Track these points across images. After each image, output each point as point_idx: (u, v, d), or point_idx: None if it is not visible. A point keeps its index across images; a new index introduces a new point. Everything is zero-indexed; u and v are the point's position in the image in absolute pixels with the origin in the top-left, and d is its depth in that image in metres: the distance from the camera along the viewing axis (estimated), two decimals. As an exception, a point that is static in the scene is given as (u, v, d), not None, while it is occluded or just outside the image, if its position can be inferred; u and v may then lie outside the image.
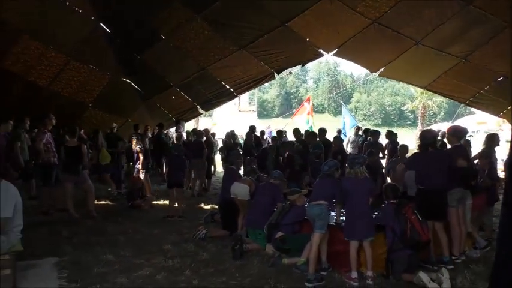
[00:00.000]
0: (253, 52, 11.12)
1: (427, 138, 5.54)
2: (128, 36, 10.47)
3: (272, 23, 10.19)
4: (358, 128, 14.14)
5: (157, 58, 11.20)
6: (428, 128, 19.72)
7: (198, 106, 13.24)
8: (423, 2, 9.21)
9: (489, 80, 11.41)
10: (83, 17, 9.70)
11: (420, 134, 5.66)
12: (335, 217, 5.35)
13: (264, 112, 67.52)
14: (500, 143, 7.35)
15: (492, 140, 7.08)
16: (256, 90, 37.66)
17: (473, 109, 17.85)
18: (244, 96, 27.02)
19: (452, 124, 19.82)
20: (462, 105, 18.62)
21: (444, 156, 5.52)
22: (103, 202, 8.94)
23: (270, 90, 78.13)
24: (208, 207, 8.75)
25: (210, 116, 30.99)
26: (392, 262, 4.84)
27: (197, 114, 14.82)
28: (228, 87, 12.49)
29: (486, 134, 8.67)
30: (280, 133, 11.01)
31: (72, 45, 10.17)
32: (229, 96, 13.23)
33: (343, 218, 5.24)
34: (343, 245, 4.94)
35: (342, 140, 10.23)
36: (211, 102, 13.29)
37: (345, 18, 9.97)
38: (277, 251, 5.33)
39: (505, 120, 14.46)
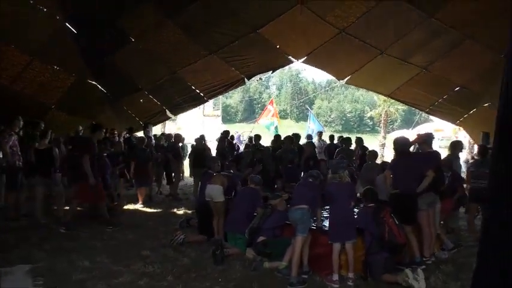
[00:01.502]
0: (224, 57, 11.16)
1: (405, 145, 5.81)
2: (95, 37, 10.20)
3: (244, 29, 10.28)
4: (321, 134, 14.54)
5: (126, 60, 10.96)
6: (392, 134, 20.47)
7: (167, 110, 13.07)
8: (388, 14, 9.62)
9: (447, 89, 12.05)
10: (48, 15, 9.37)
11: (397, 140, 5.90)
12: (316, 221, 5.48)
13: (227, 117, 67.44)
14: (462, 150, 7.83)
15: (456, 147, 7.54)
16: (220, 96, 37.58)
17: (431, 117, 18.72)
18: (209, 101, 26.93)
19: (412, 131, 20.73)
20: (419, 112, 19.53)
21: (421, 161, 5.79)
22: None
23: (234, 96, 78.10)
24: (181, 212, 8.67)
25: (174, 120, 30.59)
26: (370, 264, 5.02)
27: (166, 118, 14.60)
28: (198, 91, 12.43)
29: (450, 142, 9.15)
30: (259, 137, 11.05)
31: (35, 45, 9.79)
32: (199, 101, 13.19)
33: (324, 221, 5.38)
34: (324, 248, 5.07)
35: (315, 146, 10.44)
36: (180, 106, 13.17)
37: (314, 27, 10.24)
38: (258, 255, 5.39)
39: (461, 128, 15.25)
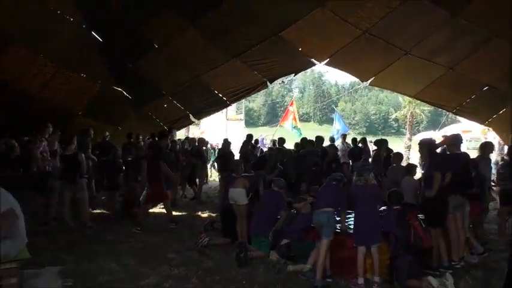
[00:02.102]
0: (246, 61, 11.21)
1: (433, 145, 5.73)
2: (119, 45, 10.45)
3: (265, 32, 10.30)
4: (345, 136, 14.39)
5: (149, 67, 11.18)
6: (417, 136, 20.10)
7: (190, 114, 13.22)
8: (412, 14, 9.47)
9: (475, 89, 11.74)
10: (74, 25, 9.67)
11: (426, 142, 5.83)
12: (340, 224, 5.44)
13: (250, 121, 67.68)
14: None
15: (485, 148, 7.34)
16: (243, 99, 37.85)
17: (458, 118, 18.30)
18: (232, 105, 27.11)
19: (438, 132, 20.29)
20: (445, 113, 19.09)
21: (449, 163, 5.66)
22: (98, 211, 8.84)
23: (257, 99, 78.40)
24: (205, 215, 8.74)
25: (198, 124, 30.93)
26: (395, 268, 4.94)
27: (189, 123, 14.80)
28: (220, 95, 12.52)
29: (479, 143, 8.90)
30: (283, 140, 11.03)
31: (62, 54, 10.10)
32: (221, 105, 13.29)
33: (349, 224, 5.33)
34: (349, 252, 5.02)
35: (337, 149, 10.36)
36: (203, 111, 13.31)
37: (336, 28, 10.16)
38: (282, 258, 5.38)
39: (490, 129, 14.83)
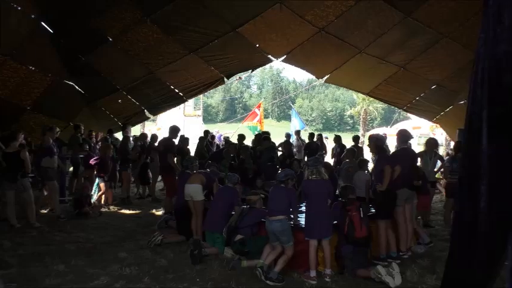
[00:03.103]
0: (203, 56, 11.09)
1: (383, 141, 5.92)
2: (72, 37, 10.01)
3: (223, 28, 10.23)
4: (299, 132, 14.61)
5: (103, 60, 10.81)
6: (370, 132, 20.73)
7: (146, 110, 12.92)
8: (366, 13, 9.72)
9: (424, 87, 12.28)
10: (23, 14, 9.15)
11: (374, 137, 6.01)
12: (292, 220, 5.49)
13: (208, 117, 67.23)
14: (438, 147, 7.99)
15: (428, 144, 7.72)
16: (201, 95, 37.43)
17: (408, 115, 19.04)
18: (189, 101, 26.71)
19: (390, 128, 21.04)
20: (398, 110, 19.82)
21: (395, 158, 5.88)
22: (45, 211, 8.44)
23: (215, 95, 78.01)
24: (160, 213, 8.58)
25: (154, 120, 30.33)
26: (340, 258, 5.10)
27: (144, 119, 14.45)
28: (177, 91, 12.33)
29: (426, 139, 9.32)
30: (242, 137, 10.99)
31: (9, 45, 9.53)
32: (178, 101, 13.08)
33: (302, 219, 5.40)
34: (301, 245, 5.09)
35: (291, 145, 10.48)
36: (159, 106, 13.04)
37: (293, 25, 10.26)
38: (236, 254, 5.37)
39: (438, 125, 15.54)
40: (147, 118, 14.54)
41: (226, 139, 13.90)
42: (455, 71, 10.82)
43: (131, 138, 11.45)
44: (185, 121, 32.32)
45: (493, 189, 2.21)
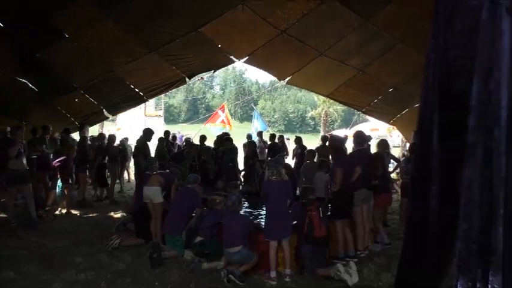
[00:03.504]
0: (164, 56, 10.90)
1: (339, 142, 6.04)
2: (26, 33, 9.55)
3: (184, 27, 10.09)
4: (261, 133, 14.69)
5: (59, 58, 10.37)
6: (330, 133, 21.13)
7: (104, 110, 12.54)
8: (327, 17, 9.89)
9: (381, 90, 12.64)
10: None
11: (332, 139, 6.13)
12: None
13: (170, 117, 66.24)
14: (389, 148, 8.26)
15: (379, 146, 7.97)
16: (162, 95, 36.79)
17: (367, 117, 19.55)
18: (150, 101, 26.19)
19: (350, 130, 21.51)
20: (357, 113, 20.34)
21: (353, 159, 6.02)
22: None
23: (177, 95, 77.00)
24: (118, 215, 8.36)
25: (114, 120, 29.54)
26: (300, 258, 5.16)
27: (103, 119, 13.99)
28: (137, 90, 12.04)
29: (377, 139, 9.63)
30: (204, 138, 10.88)
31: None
32: (138, 100, 12.76)
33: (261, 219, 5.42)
34: (261, 246, 5.11)
35: (256, 145, 10.51)
36: (118, 106, 12.70)
37: (256, 27, 10.27)
38: (196, 256, 5.32)
39: (394, 127, 16.06)
40: (106, 118, 14.11)
41: (187, 140, 13.72)
42: (410, 75, 11.20)
43: (88, 139, 11.09)
44: (146, 121, 31.66)
45: (443, 191, 2.28)
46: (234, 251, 4.97)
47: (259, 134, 14.58)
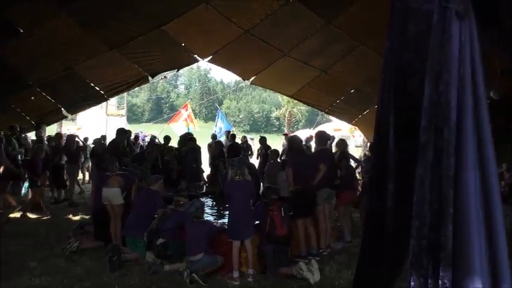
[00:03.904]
0: (126, 54, 10.65)
1: (297, 142, 6.10)
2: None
3: (147, 25, 9.90)
4: (229, 133, 14.67)
5: (13, 54, 9.92)
6: (293, 134, 21.36)
7: (63, 108, 12.11)
8: (290, 18, 9.99)
9: (344, 91, 12.92)
10: None
11: (289, 139, 6.20)
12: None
13: (133, 117, 64.85)
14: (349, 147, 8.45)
15: (342, 144, 8.15)
16: (125, 94, 35.97)
17: (330, 117, 19.92)
18: (112, 100, 25.50)
19: (313, 130, 21.85)
20: (321, 113, 20.68)
21: (315, 158, 6.11)
22: None
23: (140, 94, 75.54)
24: (77, 218, 8.08)
25: (74, 120, 28.61)
26: (263, 257, 5.19)
27: (61, 118, 13.52)
28: (97, 89, 11.70)
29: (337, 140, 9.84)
30: (168, 139, 10.69)
31: None
32: (98, 99, 12.41)
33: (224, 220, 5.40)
34: (224, 247, 5.08)
35: (223, 145, 10.47)
36: (78, 105, 12.30)
37: (220, 26, 10.22)
38: (158, 259, 5.22)
39: (356, 128, 16.45)
40: (65, 117, 13.62)
41: (152, 139, 13.47)
42: (370, 76, 11.48)
43: (45, 139, 10.68)
44: (108, 121, 30.84)
45: (399, 191, 2.32)
46: (196, 259, 4.94)
47: (227, 134, 14.55)
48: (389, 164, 2.41)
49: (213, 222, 5.67)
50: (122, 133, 8.10)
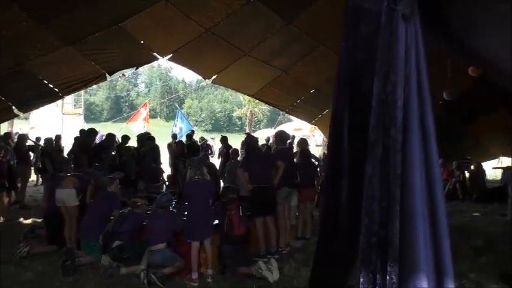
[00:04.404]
0: (82, 50, 10.23)
1: (252, 142, 6.14)
2: None
3: (104, 21, 9.59)
4: (193, 132, 14.54)
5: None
6: (253, 133, 21.46)
7: (13, 107, 11.51)
8: (251, 18, 10.01)
9: (304, 91, 13.10)
10: None
11: (245, 139, 6.24)
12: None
13: (91, 116, 62.84)
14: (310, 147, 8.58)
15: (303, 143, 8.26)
16: (82, 92, 34.86)
17: (291, 117, 20.16)
18: (68, 98, 24.64)
19: (275, 130, 22.03)
20: (282, 113, 20.90)
21: (274, 157, 6.15)
22: None
23: (99, 93, 73.26)
24: (29, 221, 7.72)
25: (27, 118, 27.40)
26: (222, 257, 5.17)
27: (12, 116, 12.86)
28: (51, 86, 11.20)
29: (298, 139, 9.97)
30: (127, 138, 10.39)
31: None
32: (52, 97, 11.86)
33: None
34: (183, 248, 5.02)
35: (184, 145, 10.34)
36: (30, 103, 11.72)
37: (180, 24, 10.08)
38: (114, 261, 5.07)
39: (316, 127, 16.73)
40: (16, 115, 12.97)
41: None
42: (329, 76, 11.69)
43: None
44: (64, 120, 29.75)
45: (352, 190, 2.36)
46: (158, 248, 4.84)
47: (192, 132, 14.40)
48: (343, 162, 2.45)
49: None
50: (91, 133, 7.80)
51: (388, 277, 1.63)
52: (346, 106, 2.56)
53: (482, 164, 12.36)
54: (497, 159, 14.24)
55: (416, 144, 1.70)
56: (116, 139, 11.83)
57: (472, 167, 11.75)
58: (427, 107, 1.73)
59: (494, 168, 13.95)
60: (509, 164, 10.73)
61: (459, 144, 12.44)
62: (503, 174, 12.30)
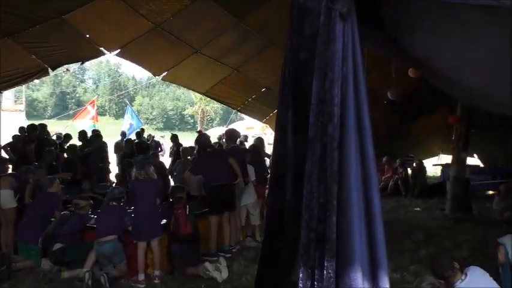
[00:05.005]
0: (21, 42, 9.66)
1: (205, 141, 6.10)
2: None
3: (47, 13, 9.11)
4: (143, 131, 14.20)
5: None
6: (207, 131, 21.30)
7: None
8: (202, 14, 9.91)
9: (256, 90, 13.18)
10: None
11: (197, 139, 6.20)
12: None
13: (34, 112, 59.65)
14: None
15: (260, 142, 8.31)
16: (24, 88, 33.07)
17: (243, 115, 20.22)
18: (8, 94, 23.27)
19: (226, 128, 22.00)
20: (234, 111, 20.91)
21: (227, 155, 6.14)
22: None
23: (42, 88, 69.60)
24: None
25: (-39, 116, 25.53)
26: (171, 257, 5.10)
27: None
28: (-13, 81, 10.52)
29: (254, 137, 10.02)
30: (69, 137, 9.93)
31: None
32: (-12, 92, 11.19)
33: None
34: (130, 249, 4.88)
35: (134, 143, 10.06)
36: (-37, 99, 10.96)
37: (128, 18, 9.77)
38: (55, 265, 4.84)
39: (268, 126, 16.87)
40: None
41: (58, 136, 12.52)
42: (279, 75, 11.84)
43: None
44: (3, 116, 27.99)
45: (296, 187, 2.37)
46: (108, 239, 4.69)
47: (142, 131, 14.03)
48: (288, 160, 2.47)
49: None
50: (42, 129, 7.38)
51: (325, 272, 1.67)
52: (290, 104, 2.58)
53: (424, 161, 13.03)
54: (437, 157, 15.03)
55: (353, 141, 1.75)
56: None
57: (414, 164, 12.32)
58: (364, 104, 1.78)
59: (434, 165, 14.73)
60: (448, 162, 11.36)
61: (402, 142, 13.07)
62: (442, 171, 13.03)
